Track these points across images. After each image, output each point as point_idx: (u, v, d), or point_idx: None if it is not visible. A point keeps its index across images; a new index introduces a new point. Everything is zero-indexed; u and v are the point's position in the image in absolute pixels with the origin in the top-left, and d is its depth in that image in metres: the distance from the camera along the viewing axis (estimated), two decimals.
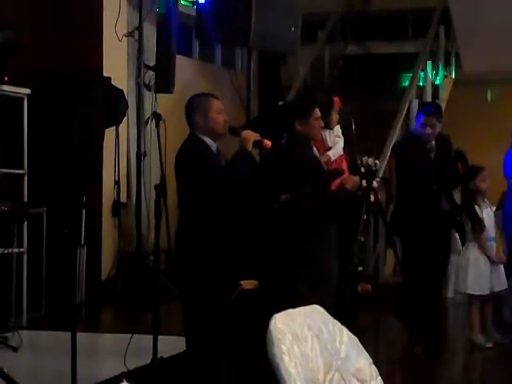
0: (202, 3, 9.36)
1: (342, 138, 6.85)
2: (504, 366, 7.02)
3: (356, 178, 5.98)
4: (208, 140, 5.00)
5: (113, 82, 8.67)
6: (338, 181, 5.68)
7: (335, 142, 6.78)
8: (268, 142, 5.09)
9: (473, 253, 7.29)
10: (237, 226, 5.03)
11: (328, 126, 6.72)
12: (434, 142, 7.00)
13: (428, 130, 6.94)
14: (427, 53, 12.11)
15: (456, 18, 11.92)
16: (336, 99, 7.03)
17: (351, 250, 6.25)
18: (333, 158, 6.66)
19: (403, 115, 11.17)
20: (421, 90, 11.95)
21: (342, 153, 6.77)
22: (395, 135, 10.80)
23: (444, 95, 12.72)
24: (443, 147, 7.10)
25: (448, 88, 12.89)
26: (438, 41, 12.45)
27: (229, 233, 4.97)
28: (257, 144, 5.06)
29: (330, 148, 6.75)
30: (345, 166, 6.41)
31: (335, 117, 6.87)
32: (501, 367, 6.99)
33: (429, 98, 12.09)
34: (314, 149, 6.00)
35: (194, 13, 9.91)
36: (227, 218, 4.94)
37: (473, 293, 7.29)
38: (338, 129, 6.88)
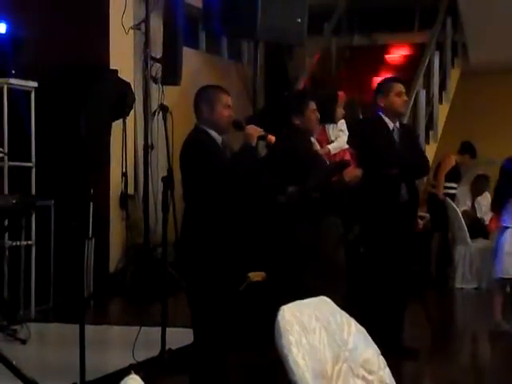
0: None
1: (347, 133, 6.84)
2: None
3: (358, 171, 5.98)
4: (213, 133, 5.00)
5: (119, 75, 8.68)
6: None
7: (338, 136, 6.77)
8: (272, 137, 5.10)
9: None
10: (243, 218, 5.03)
11: (332, 121, 6.75)
12: (398, 124, 6.57)
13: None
14: (434, 44, 12.07)
15: (463, 9, 11.88)
16: (341, 93, 7.03)
17: (348, 239, 6.19)
18: (333, 152, 6.64)
19: (410, 106, 11.15)
20: (428, 80, 11.91)
21: (345, 146, 6.75)
22: None
23: (451, 86, 12.70)
24: (409, 135, 6.75)
25: (455, 79, 12.86)
26: (444, 32, 12.41)
27: (235, 225, 4.97)
28: (261, 138, 5.06)
29: (331, 142, 6.74)
30: (349, 158, 6.39)
31: (340, 111, 6.87)
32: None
33: (436, 89, 12.06)
34: (315, 141, 6.00)
35: (200, 5, 9.90)
36: (233, 210, 4.95)
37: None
38: (342, 123, 6.88)
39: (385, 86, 6.61)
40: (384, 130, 6.47)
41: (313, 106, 5.83)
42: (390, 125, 6.49)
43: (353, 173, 5.91)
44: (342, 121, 6.88)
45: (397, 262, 6.42)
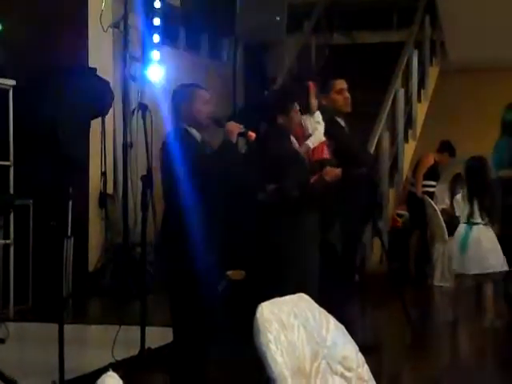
0: None
1: (323, 124, 6.70)
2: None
3: (337, 170, 5.95)
4: (193, 131, 5.00)
5: (98, 73, 8.65)
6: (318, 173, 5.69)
7: (314, 129, 6.62)
8: (252, 134, 5.10)
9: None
10: (223, 216, 5.03)
11: (308, 111, 6.63)
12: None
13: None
14: (413, 42, 12.11)
15: (441, 7, 11.94)
16: (311, 84, 6.87)
17: (328, 238, 6.14)
18: (312, 146, 6.52)
19: (389, 104, 11.19)
20: (406, 79, 11.95)
21: (323, 139, 6.57)
22: (382, 124, 10.82)
23: (430, 84, 12.75)
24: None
25: (433, 77, 12.92)
26: (423, 30, 12.46)
27: (215, 223, 4.97)
28: (241, 135, 5.06)
29: (309, 135, 6.61)
30: (326, 153, 6.26)
31: (314, 101, 6.68)
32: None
33: (415, 87, 12.11)
34: (293, 139, 5.96)
35: (179, 4, 9.90)
36: (213, 208, 4.95)
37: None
38: (318, 115, 6.68)
39: (325, 83, 6.35)
40: (342, 129, 6.33)
41: (297, 106, 5.79)
42: (342, 123, 6.34)
43: (333, 172, 5.89)
44: (318, 112, 6.72)
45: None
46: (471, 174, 7.73)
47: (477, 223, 7.68)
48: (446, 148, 10.93)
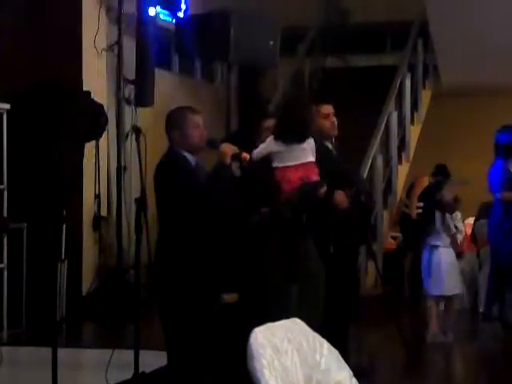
0: (181, 17, 9.38)
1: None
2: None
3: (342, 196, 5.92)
4: (186, 154, 5.01)
5: (92, 96, 8.67)
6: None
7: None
8: (246, 156, 5.11)
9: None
10: (217, 239, 5.03)
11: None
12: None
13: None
14: (406, 65, 12.17)
15: (434, 31, 11.99)
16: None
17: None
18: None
19: (383, 127, 11.23)
20: (399, 102, 12.01)
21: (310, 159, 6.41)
22: (375, 146, 10.86)
23: (422, 107, 12.80)
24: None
25: (426, 100, 12.97)
26: (416, 53, 12.53)
27: (209, 246, 4.97)
28: (235, 157, 5.07)
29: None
30: (316, 174, 6.11)
31: None
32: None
33: (407, 111, 12.16)
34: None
35: (173, 27, 9.93)
36: (207, 231, 4.95)
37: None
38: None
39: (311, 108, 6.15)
40: (330, 153, 6.26)
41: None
42: (330, 146, 6.26)
43: (341, 197, 5.88)
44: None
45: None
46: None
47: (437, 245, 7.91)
48: (441, 171, 10.95)
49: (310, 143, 5.58)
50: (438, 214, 7.99)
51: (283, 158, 5.54)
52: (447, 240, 8.00)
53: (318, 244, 5.82)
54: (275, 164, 5.55)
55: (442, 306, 8.05)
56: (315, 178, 5.54)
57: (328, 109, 6.25)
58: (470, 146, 12.95)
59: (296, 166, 5.52)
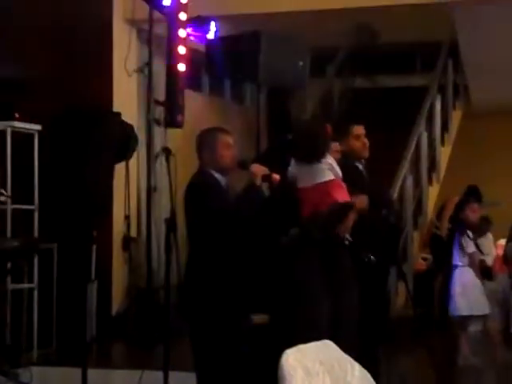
0: (211, 39, 9.42)
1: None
2: None
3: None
4: (217, 175, 5.01)
5: (123, 118, 8.72)
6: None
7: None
8: (276, 177, 5.11)
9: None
10: (247, 260, 5.02)
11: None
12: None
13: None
14: (436, 86, 12.13)
15: (464, 51, 11.95)
16: (327, 126, 6.80)
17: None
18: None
19: (413, 148, 11.18)
20: (430, 122, 11.96)
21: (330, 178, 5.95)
22: (405, 167, 10.81)
23: (453, 128, 12.74)
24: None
25: (457, 121, 12.91)
26: (446, 74, 12.48)
27: (239, 267, 4.96)
28: (266, 178, 5.07)
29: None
30: (339, 191, 6.07)
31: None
32: None
33: (438, 131, 12.11)
34: None
35: (203, 48, 9.98)
36: (237, 252, 4.94)
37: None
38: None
39: (343, 128, 6.19)
40: (361, 174, 6.21)
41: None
42: (360, 167, 6.22)
43: (363, 200, 5.85)
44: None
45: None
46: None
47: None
48: (473, 193, 10.87)
49: (329, 163, 5.57)
50: (457, 234, 7.95)
51: (301, 180, 5.55)
52: (465, 260, 7.94)
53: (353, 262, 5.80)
54: (298, 185, 5.56)
55: (473, 328, 7.95)
56: (337, 195, 5.52)
57: (359, 129, 6.22)
58: (501, 166, 12.86)
59: (313, 187, 5.51)
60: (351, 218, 5.59)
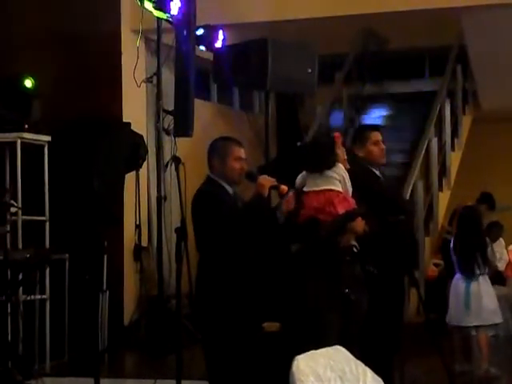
0: (218, 47, 9.43)
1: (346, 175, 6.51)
2: None
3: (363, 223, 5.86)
4: (224, 184, 5.02)
5: (132, 127, 8.74)
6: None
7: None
8: (284, 188, 5.10)
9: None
10: (257, 268, 5.02)
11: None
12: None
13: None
14: (445, 91, 12.12)
15: (473, 57, 11.94)
16: (336, 134, 6.81)
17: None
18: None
19: (423, 153, 11.16)
20: (439, 128, 11.94)
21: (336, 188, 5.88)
22: (416, 173, 10.80)
23: (463, 133, 12.72)
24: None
25: (467, 126, 12.89)
26: (455, 79, 12.47)
27: (249, 275, 4.95)
28: (274, 189, 5.07)
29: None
30: (344, 202, 6.07)
31: (340, 151, 6.58)
32: None
33: (448, 137, 12.09)
34: None
35: (211, 57, 9.99)
36: (246, 260, 4.94)
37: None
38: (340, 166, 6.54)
39: (361, 134, 6.26)
40: (378, 179, 6.20)
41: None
42: (377, 173, 6.22)
43: (361, 225, 5.82)
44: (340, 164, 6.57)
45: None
46: (464, 222, 7.92)
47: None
48: (486, 200, 10.84)
49: (341, 174, 5.57)
50: None
51: (308, 184, 5.56)
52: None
53: (364, 271, 5.78)
54: (304, 189, 5.57)
55: (486, 334, 7.90)
56: (340, 208, 5.50)
57: (377, 135, 6.23)
58: (511, 171, 12.83)
59: (318, 192, 5.51)
60: (358, 225, 5.59)
